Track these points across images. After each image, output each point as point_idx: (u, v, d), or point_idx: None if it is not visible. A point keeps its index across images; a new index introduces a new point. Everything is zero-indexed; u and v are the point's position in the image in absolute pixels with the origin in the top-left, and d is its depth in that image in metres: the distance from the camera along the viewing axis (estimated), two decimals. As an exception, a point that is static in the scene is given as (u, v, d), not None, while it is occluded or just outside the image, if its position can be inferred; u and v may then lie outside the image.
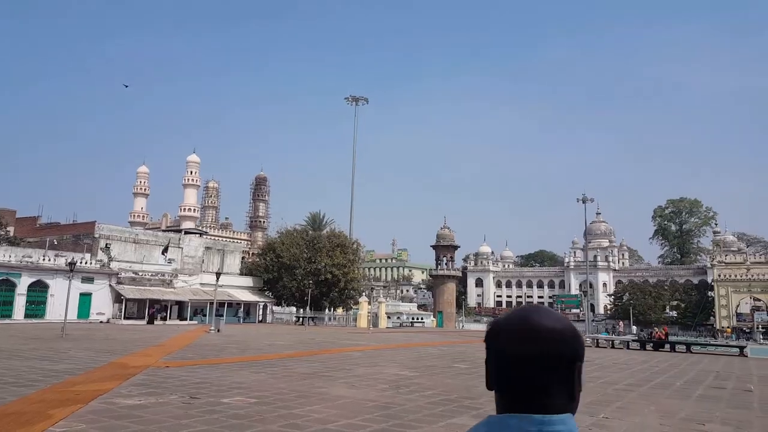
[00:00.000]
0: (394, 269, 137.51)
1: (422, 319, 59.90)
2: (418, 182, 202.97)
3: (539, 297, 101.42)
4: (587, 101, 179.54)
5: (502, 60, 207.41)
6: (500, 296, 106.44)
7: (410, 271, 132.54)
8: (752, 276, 61.51)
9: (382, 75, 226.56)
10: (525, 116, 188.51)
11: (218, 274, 36.83)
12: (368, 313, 46.22)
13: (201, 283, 45.11)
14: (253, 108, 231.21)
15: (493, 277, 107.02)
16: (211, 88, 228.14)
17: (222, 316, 39.74)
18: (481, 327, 65.21)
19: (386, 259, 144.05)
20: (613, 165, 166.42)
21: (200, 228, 74.03)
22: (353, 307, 52.08)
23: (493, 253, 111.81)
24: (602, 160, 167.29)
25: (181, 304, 43.19)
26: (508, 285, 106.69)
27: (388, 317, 51.82)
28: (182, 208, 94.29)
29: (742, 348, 28.28)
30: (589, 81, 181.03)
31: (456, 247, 62.43)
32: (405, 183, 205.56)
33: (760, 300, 60.81)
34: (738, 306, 61.86)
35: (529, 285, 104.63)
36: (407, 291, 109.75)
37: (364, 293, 53.06)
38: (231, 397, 9.96)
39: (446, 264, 60.03)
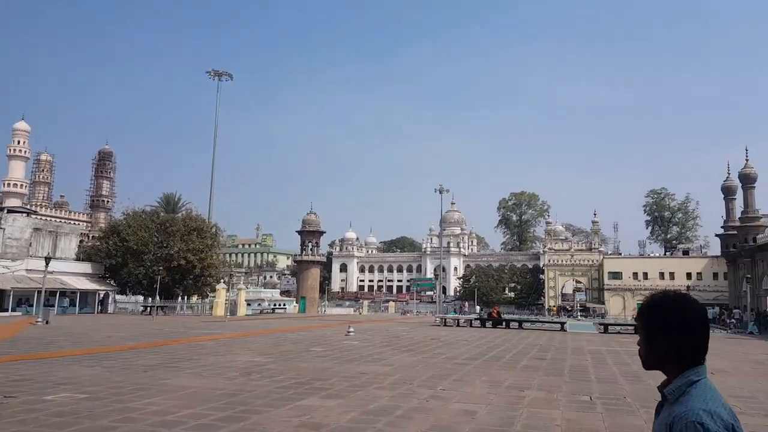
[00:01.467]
0: (258, 255, 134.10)
1: (284, 305, 59.41)
2: (286, 167, 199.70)
3: (398, 281, 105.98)
4: (448, 99, 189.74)
5: (369, 54, 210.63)
6: (363, 280, 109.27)
7: (275, 256, 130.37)
8: (575, 261, 70.21)
9: (251, 58, 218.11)
10: (390, 110, 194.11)
11: (48, 259, 33.02)
12: (226, 300, 44.64)
13: (27, 269, 40.07)
14: (96, 74, 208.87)
15: (357, 262, 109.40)
16: (49, 46, 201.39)
17: (53, 306, 35.74)
18: (343, 311, 66.45)
19: (250, 245, 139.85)
20: (469, 159, 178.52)
21: (28, 206, 65.60)
22: (210, 295, 49.93)
23: (358, 239, 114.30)
24: (459, 153, 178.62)
25: (1, 293, 38.02)
26: (371, 270, 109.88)
27: (249, 304, 50.55)
28: (6, 182, 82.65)
29: (562, 324, 32.28)
30: (450, 80, 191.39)
31: (322, 233, 62.78)
32: (272, 168, 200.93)
33: (580, 282, 69.68)
34: (563, 287, 70.32)
35: (390, 269, 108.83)
36: (271, 277, 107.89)
37: (222, 280, 51.05)
38: (56, 393, 9.08)
39: (311, 249, 60.13)
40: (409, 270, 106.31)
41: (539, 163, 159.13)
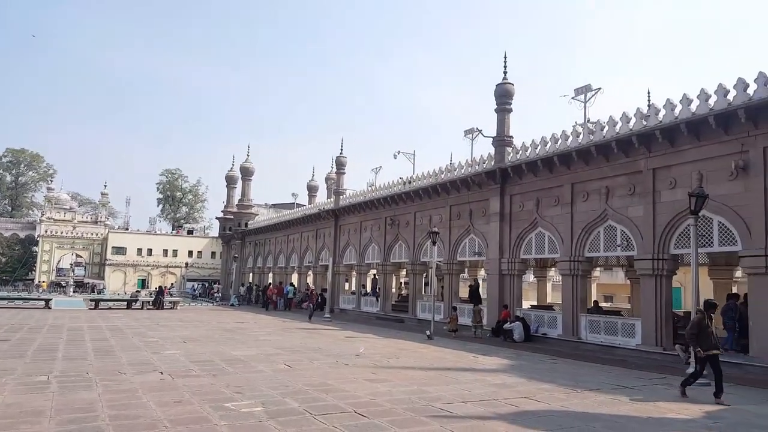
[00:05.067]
0: None
1: None
2: None
3: None
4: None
5: None
6: None
7: None
8: (78, 233, 64.81)
9: None
10: None
11: None
12: None
13: None
14: None
15: None
16: None
17: None
18: None
19: None
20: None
21: None
22: None
23: None
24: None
25: None
26: None
27: None
28: None
29: (47, 300, 28.97)
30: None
31: None
32: None
33: (81, 256, 64.77)
34: (60, 261, 63.66)
35: None
36: None
37: None
38: None
39: None
40: None
41: (50, 120, 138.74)
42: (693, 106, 14.11)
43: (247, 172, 49.88)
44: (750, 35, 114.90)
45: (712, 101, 13.69)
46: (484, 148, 46.54)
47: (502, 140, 20.72)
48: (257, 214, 50.22)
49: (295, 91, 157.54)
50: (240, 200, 50.46)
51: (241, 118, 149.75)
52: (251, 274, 48.05)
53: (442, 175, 23.70)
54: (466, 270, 29.00)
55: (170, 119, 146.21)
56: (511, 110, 21.23)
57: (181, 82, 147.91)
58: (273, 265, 42.85)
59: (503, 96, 21.06)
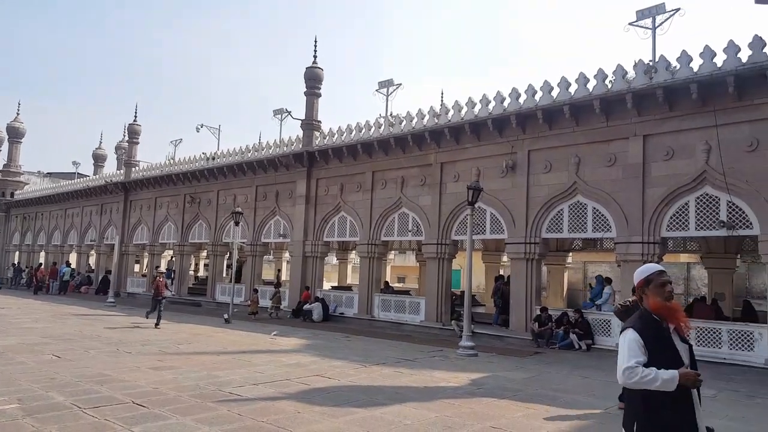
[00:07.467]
0: None
1: None
2: None
3: None
4: None
5: None
6: None
7: None
8: None
9: None
10: None
11: None
12: None
13: None
14: None
15: None
16: None
17: None
18: None
19: None
20: None
21: None
22: None
23: None
24: None
25: None
26: None
27: None
28: None
29: None
30: None
31: None
32: None
33: None
34: None
35: None
36: None
37: None
38: None
39: None
40: None
41: None
42: (476, 110, 15.91)
43: (16, 133, 42.33)
44: (547, 46, 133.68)
45: (491, 106, 15.59)
46: (293, 131, 46.33)
47: (310, 124, 20.89)
48: (27, 183, 43.04)
49: (81, 49, 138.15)
50: (6, 165, 42.67)
51: (10, 69, 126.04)
52: (18, 253, 41.24)
53: (249, 154, 23.06)
54: (271, 252, 28.77)
55: None
56: (320, 95, 21.49)
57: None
58: (46, 243, 37.32)
59: (312, 80, 21.21)
